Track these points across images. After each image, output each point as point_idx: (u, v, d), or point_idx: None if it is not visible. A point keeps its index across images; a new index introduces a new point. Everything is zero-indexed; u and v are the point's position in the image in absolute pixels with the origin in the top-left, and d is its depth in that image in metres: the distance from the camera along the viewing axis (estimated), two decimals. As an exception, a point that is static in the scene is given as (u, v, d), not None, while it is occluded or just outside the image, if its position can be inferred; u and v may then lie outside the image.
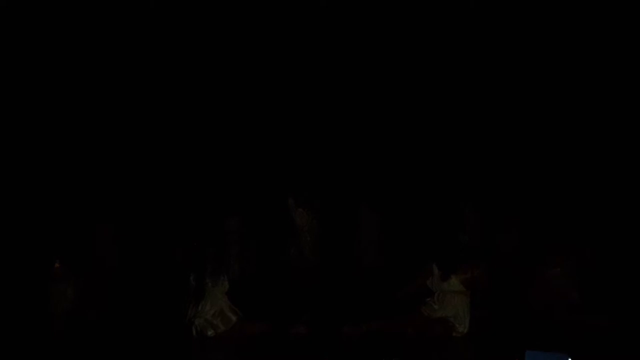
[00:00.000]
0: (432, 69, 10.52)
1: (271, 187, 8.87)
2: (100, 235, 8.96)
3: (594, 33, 10.10)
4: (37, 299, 8.38)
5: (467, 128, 10.47)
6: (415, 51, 10.52)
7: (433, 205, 8.85)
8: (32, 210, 9.63)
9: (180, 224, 8.93)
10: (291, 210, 8.96)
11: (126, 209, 9.11)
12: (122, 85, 10.33)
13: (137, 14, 10.24)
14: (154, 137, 10.26)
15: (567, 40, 10.30)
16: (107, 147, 10.25)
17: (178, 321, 7.62)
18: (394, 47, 10.60)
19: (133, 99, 10.36)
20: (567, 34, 10.24)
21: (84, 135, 10.24)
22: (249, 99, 10.52)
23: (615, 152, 10.03)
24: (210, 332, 7.51)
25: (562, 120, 10.23)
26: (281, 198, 8.92)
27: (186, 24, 10.37)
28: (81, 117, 10.31)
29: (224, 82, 10.49)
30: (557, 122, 10.25)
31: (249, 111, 10.50)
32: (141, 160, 9.62)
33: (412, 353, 6.67)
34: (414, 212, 9.68)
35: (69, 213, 9.08)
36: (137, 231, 9.31)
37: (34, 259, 8.72)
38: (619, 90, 10.20)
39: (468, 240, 8.51)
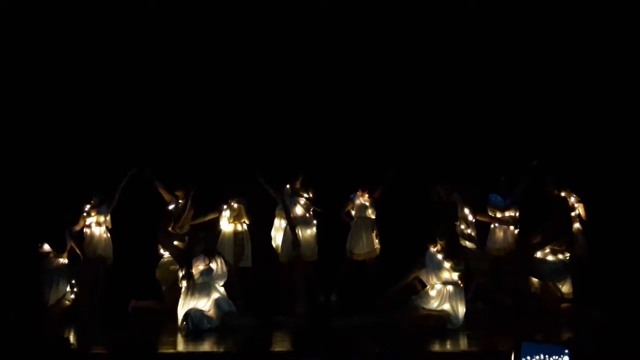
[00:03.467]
0: (429, 68, 10.51)
1: (267, 180, 8.81)
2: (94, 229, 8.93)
3: (580, 30, 10.14)
4: (31, 291, 8.38)
5: (467, 128, 10.47)
6: (414, 51, 10.52)
7: (430, 199, 8.84)
8: (27, 206, 9.62)
9: (175, 218, 8.89)
10: (286, 200, 8.90)
11: (120, 204, 9.07)
12: (113, 78, 10.31)
13: (138, 12, 10.26)
14: (145, 128, 10.23)
15: (565, 38, 10.31)
16: (94, 135, 10.22)
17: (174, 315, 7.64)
18: (393, 46, 10.60)
19: (125, 91, 10.34)
20: (556, 31, 10.27)
21: (73, 129, 10.22)
22: (244, 94, 10.51)
23: (614, 150, 10.04)
24: (205, 325, 7.49)
25: (560, 115, 10.23)
26: (276, 190, 8.87)
27: (183, 17, 10.36)
28: (75, 113, 10.30)
29: (217, 78, 10.49)
30: (554, 117, 10.25)
31: (245, 105, 10.48)
32: (136, 153, 9.59)
33: (408, 346, 6.65)
34: (411, 208, 9.67)
35: (64, 209, 9.04)
36: (130, 224, 9.30)
37: (27, 252, 8.70)
38: (617, 90, 10.21)
39: (463, 232, 8.53)
